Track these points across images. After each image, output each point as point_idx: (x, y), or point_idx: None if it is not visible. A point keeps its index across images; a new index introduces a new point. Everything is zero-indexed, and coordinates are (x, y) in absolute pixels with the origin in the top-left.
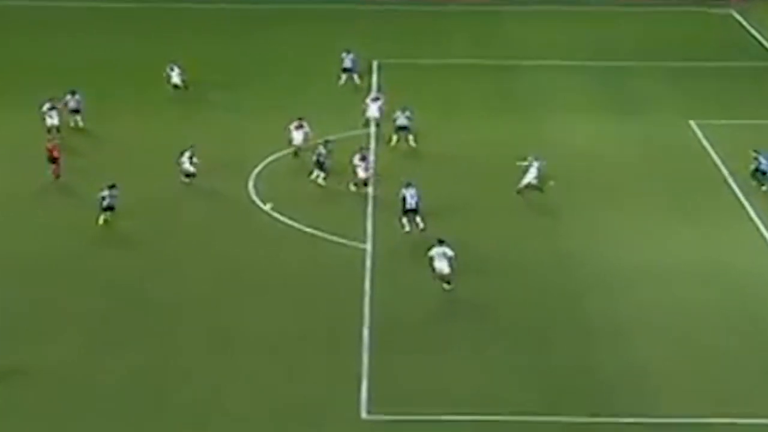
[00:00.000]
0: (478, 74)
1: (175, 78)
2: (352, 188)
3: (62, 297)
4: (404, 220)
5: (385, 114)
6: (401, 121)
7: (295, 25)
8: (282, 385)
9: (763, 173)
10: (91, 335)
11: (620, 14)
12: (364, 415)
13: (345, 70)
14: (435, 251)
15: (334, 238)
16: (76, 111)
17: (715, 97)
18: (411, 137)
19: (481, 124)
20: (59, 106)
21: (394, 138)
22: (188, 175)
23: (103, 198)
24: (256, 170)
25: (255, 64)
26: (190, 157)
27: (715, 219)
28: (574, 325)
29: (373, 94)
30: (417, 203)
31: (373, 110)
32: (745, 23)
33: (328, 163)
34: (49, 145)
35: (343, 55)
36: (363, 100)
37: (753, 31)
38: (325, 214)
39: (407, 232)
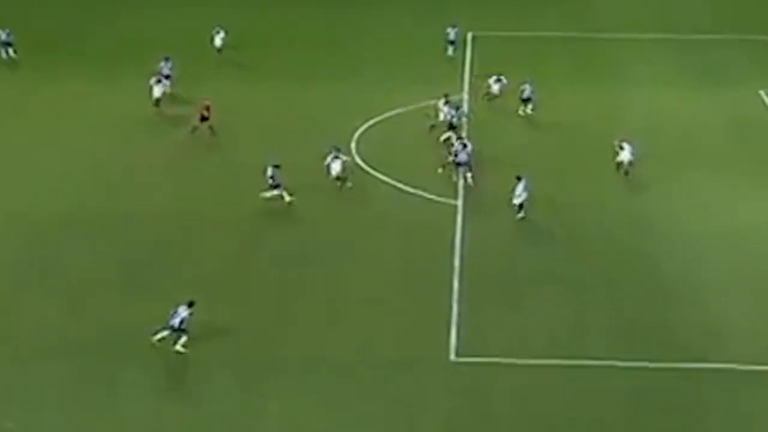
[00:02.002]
0: (567, 47)
1: (218, 41)
2: (440, 170)
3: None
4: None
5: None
6: (526, 93)
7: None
8: (379, 331)
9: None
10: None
11: None
12: (452, 357)
13: (451, 42)
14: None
15: (428, 195)
16: (167, 77)
17: None
18: (530, 107)
19: (569, 96)
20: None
21: (521, 108)
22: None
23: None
24: (359, 131)
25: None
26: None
27: None
28: (651, 283)
29: (495, 77)
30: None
31: (495, 89)
32: None
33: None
34: (206, 103)
35: (449, 29)
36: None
37: None
38: (420, 172)
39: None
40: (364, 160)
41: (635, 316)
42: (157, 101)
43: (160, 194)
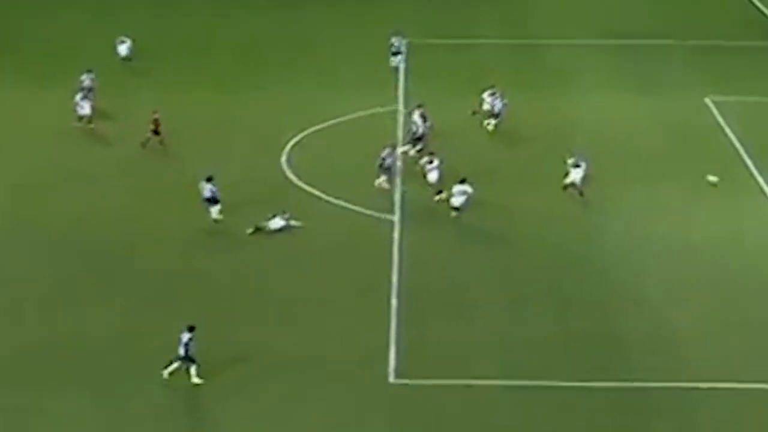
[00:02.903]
0: (509, 54)
1: (123, 50)
2: (436, 198)
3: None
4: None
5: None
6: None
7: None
8: (313, 351)
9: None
10: None
11: None
12: (391, 379)
13: (396, 53)
14: (456, 188)
15: (364, 210)
16: (90, 90)
17: (730, 75)
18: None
19: (512, 104)
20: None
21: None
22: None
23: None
24: (290, 144)
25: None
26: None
27: (733, 195)
28: (600, 295)
29: (489, 90)
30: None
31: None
32: (758, 2)
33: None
34: (155, 117)
35: (393, 39)
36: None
37: (766, 10)
38: (354, 187)
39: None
40: (296, 174)
41: (583, 331)
42: (89, 118)
43: (95, 206)
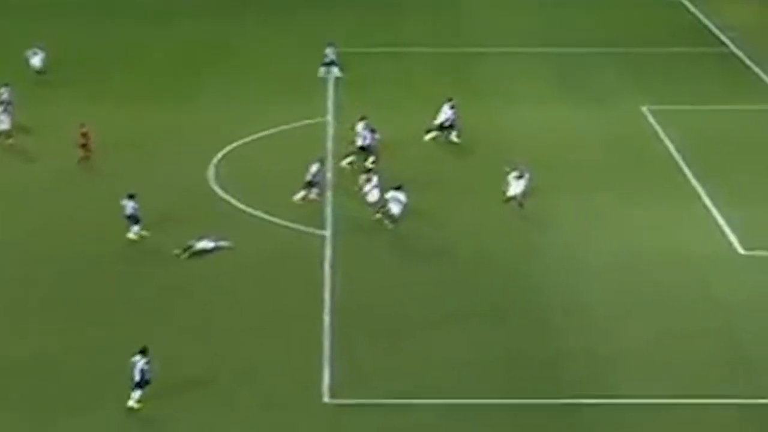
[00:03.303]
0: (442, 62)
1: (36, 62)
2: (378, 216)
3: None
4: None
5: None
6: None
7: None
8: (244, 372)
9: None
10: None
11: (574, 1)
12: (326, 399)
13: (329, 63)
14: (391, 194)
15: (293, 225)
16: (9, 104)
17: (666, 83)
18: (454, 133)
19: (434, 114)
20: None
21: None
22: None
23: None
24: (217, 158)
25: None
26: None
27: (672, 204)
28: (537, 311)
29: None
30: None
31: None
32: (694, 9)
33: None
34: (84, 130)
35: (327, 50)
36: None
37: (702, 18)
38: (283, 202)
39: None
40: (223, 188)
41: (519, 348)
42: (8, 133)
43: (17, 224)
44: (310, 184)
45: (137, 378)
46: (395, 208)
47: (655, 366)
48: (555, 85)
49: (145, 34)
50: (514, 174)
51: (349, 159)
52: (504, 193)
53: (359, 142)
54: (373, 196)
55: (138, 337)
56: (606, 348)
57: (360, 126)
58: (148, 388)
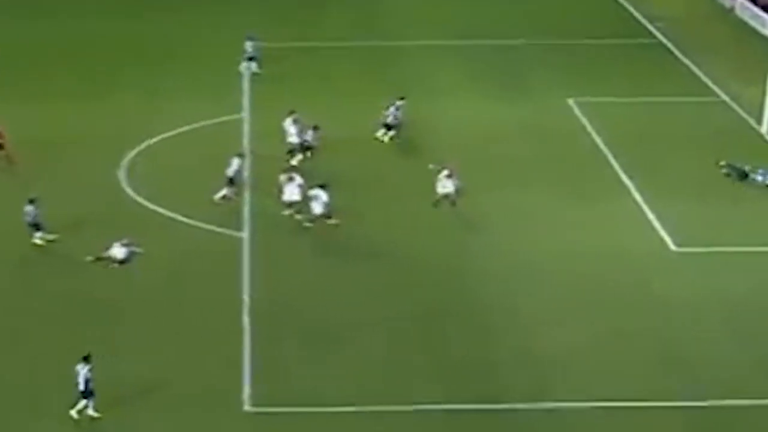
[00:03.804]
0: (359, 56)
1: None
2: (308, 225)
3: None
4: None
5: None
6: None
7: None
8: (161, 380)
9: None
10: None
11: None
12: (247, 407)
13: (250, 58)
14: (314, 193)
15: (209, 227)
16: None
17: (592, 75)
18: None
19: (360, 108)
20: None
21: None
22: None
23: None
24: (128, 157)
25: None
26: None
27: (602, 201)
28: (471, 313)
29: (397, 103)
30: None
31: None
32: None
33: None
34: None
35: (247, 44)
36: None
37: (629, 8)
38: (198, 202)
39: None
40: (135, 189)
41: (452, 352)
42: None
43: None
44: (231, 182)
45: (81, 387)
46: (317, 208)
47: (591, 368)
48: (479, 78)
49: (58, 30)
50: (445, 173)
51: (298, 157)
52: (436, 192)
53: (291, 139)
54: (294, 195)
55: (44, 346)
56: (542, 350)
57: (288, 122)
58: (93, 398)
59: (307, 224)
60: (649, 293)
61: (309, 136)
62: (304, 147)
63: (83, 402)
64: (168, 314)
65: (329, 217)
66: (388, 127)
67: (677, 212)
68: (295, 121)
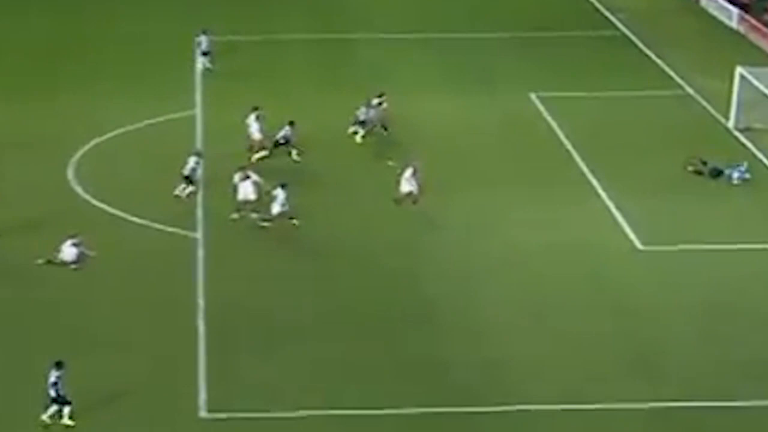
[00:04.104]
0: (317, 49)
1: None
2: (264, 224)
3: None
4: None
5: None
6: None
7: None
8: (114, 385)
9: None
10: None
11: None
12: (202, 413)
13: (204, 53)
14: (273, 192)
15: (162, 227)
16: None
17: (555, 69)
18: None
19: (321, 104)
20: None
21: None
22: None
23: None
24: (76, 157)
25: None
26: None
27: (566, 198)
28: (426, 314)
29: (375, 100)
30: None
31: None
32: None
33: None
34: None
35: (201, 38)
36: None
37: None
38: (150, 202)
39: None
40: (83, 188)
41: (408, 355)
42: None
43: None
44: (188, 180)
45: (52, 393)
46: (275, 207)
47: (551, 370)
48: (438, 72)
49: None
50: (409, 171)
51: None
52: (398, 190)
53: (254, 136)
54: (249, 194)
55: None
56: (499, 352)
57: (251, 118)
58: (67, 405)
59: (264, 224)
60: (614, 294)
61: (287, 132)
62: (278, 143)
63: (54, 408)
64: (120, 318)
65: (291, 218)
66: (362, 124)
67: (644, 210)
68: (257, 118)
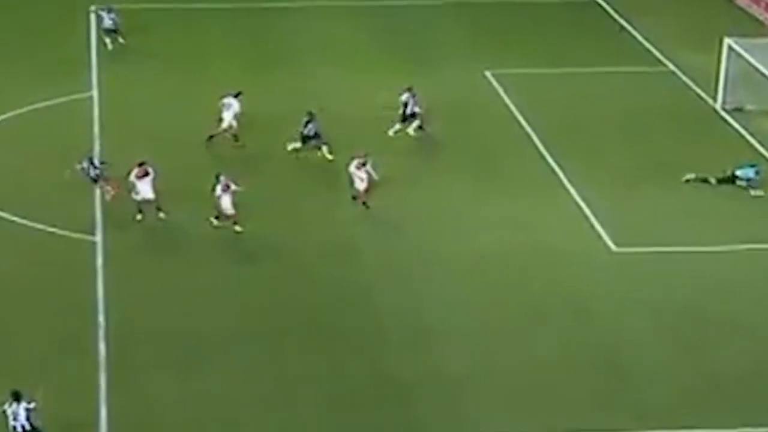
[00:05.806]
0: (236, 21)
1: None
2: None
3: None
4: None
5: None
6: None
7: None
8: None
9: None
10: None
11: None
12: None
13: (108, 31)
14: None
15: (55, 230)
16: None
17: (512, 42)
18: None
19: (250, 84)
20: None
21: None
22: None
23: None
24: None
25: None
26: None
27: (531, 193)
28: (373, 327)
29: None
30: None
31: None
32: None
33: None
34: None
35: (102, 13)
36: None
37: None
38: (40, 200)
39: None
40: None
41: (351, 373)
42: None
43: None
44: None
45: (27, 427)
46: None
47: (515, 390)
48: (381, 46)
49: None
50: (357, 163)
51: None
52: (352, 186)
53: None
54: (148, 192)
55: None
56: (457, 370)
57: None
58: None
59: (162, 216)
60: (584, 300)
61: (313, 126)
62: (307, 138)
63: None
64: (6, 339)
65: (235, 222)
66: (305, 140)
67: (617, 206)
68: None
